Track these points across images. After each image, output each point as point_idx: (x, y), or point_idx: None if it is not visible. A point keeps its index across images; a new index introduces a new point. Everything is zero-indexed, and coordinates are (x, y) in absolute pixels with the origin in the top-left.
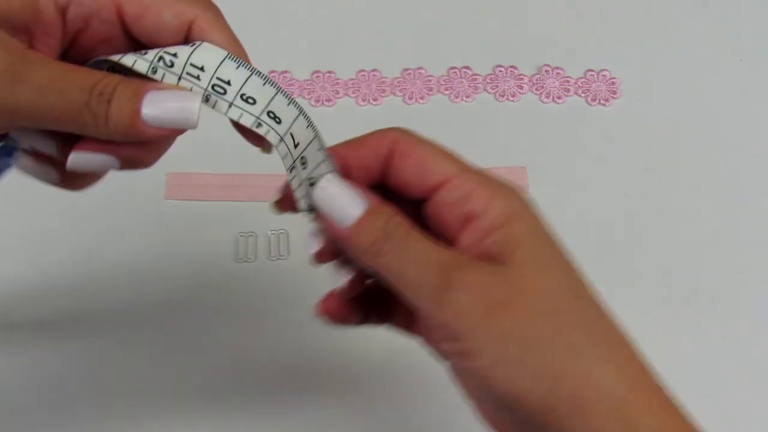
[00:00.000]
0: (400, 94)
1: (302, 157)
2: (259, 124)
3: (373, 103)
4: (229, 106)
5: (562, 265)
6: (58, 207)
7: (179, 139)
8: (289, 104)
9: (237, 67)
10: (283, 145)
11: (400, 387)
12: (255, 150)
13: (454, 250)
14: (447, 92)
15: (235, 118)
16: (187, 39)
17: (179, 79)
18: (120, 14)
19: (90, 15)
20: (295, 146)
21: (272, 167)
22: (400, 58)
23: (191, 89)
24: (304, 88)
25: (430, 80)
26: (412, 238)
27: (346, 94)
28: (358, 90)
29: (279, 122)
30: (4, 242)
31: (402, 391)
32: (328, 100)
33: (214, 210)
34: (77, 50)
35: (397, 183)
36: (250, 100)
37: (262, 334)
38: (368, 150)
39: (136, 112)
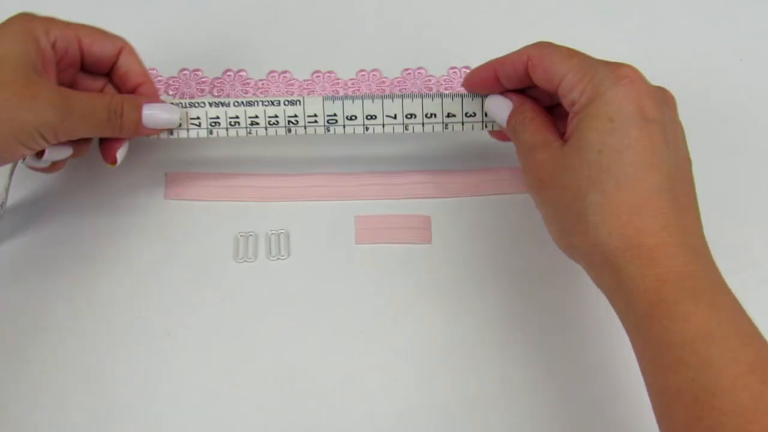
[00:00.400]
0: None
1: (448, 114)
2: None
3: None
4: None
5: (601, 144)
6: (57, 207)
7: (180, 138)
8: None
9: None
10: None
11: (400, 384)
12: (255, 150)
13: (542, 135)
14: (447, 92)
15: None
16: (117, 61)
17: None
18: (80, 44)
19: (67, 45)
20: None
21: (272, 168)
22: (400, 58)
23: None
24: (304, 88)
25: (430, 80)
26: (527, 128)
27: (346, 94)
28: (358, 90)
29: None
30: (2, 242)
31: (401, 390)
32: None
33: (214, 210)
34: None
35: (538, 85)
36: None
37: (262, 334)
38: (509, 66)
39: (139, 120)
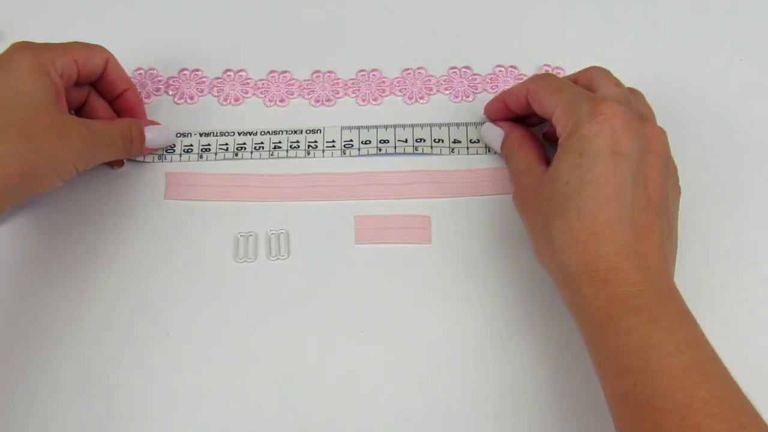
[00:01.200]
0: (400, 94)
1: (455, 140)
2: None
3: (373, 103)
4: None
5: (569, 176)
6: (58, 207)
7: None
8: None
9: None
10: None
11: (400, 384)
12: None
13: (527, 161)
14: (447, 92)
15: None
16: (105, 71)
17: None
18: (77, 64)
19: (70, 71)
20: (437, 141)
21: (271, 168)
22: (400, 58)
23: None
24: (304, 88)
25: (430, 80)
26: (515, 155)
27: (346, 94)
28: (358, 90)
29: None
30: (3, 242)
31: (401, 390)
32: (328, 100)
33: (214, 210)
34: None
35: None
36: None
37: (262, 334)
38: (515, 97)
39: (143, 142)
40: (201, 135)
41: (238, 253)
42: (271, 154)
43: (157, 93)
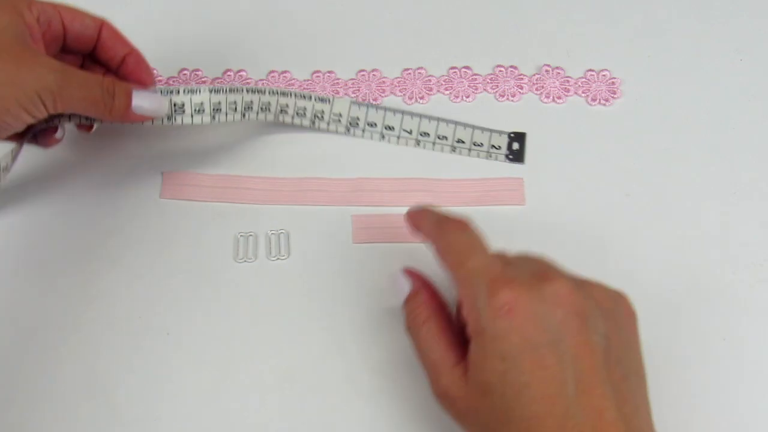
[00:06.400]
0: (400, 94)
1: (459, 140)
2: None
3: (374, 102)
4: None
5: (501, 386)
6: (54, 206)
7: (177, 138)
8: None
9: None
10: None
11: (401, 386)
12: (253, 152)
13: (439, 348)
14: (447, 92)
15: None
16: (99, 38)
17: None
18: (61, 19)
19: (50, 19)
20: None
21: (269, 168)
22: (400, 58)
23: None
24: (304, 88)
25: (430, 80)
26: (420, 334)
27: (347, 94)
28: (358, 90)
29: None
30: (0, 242)
31: (402, 390)
32: None
33: (213, 209)
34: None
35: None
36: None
37: (262, 333)
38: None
39: (129, 105)
40: (211, 92)
41: (238, 253)
42: (277, 117)
43: None
